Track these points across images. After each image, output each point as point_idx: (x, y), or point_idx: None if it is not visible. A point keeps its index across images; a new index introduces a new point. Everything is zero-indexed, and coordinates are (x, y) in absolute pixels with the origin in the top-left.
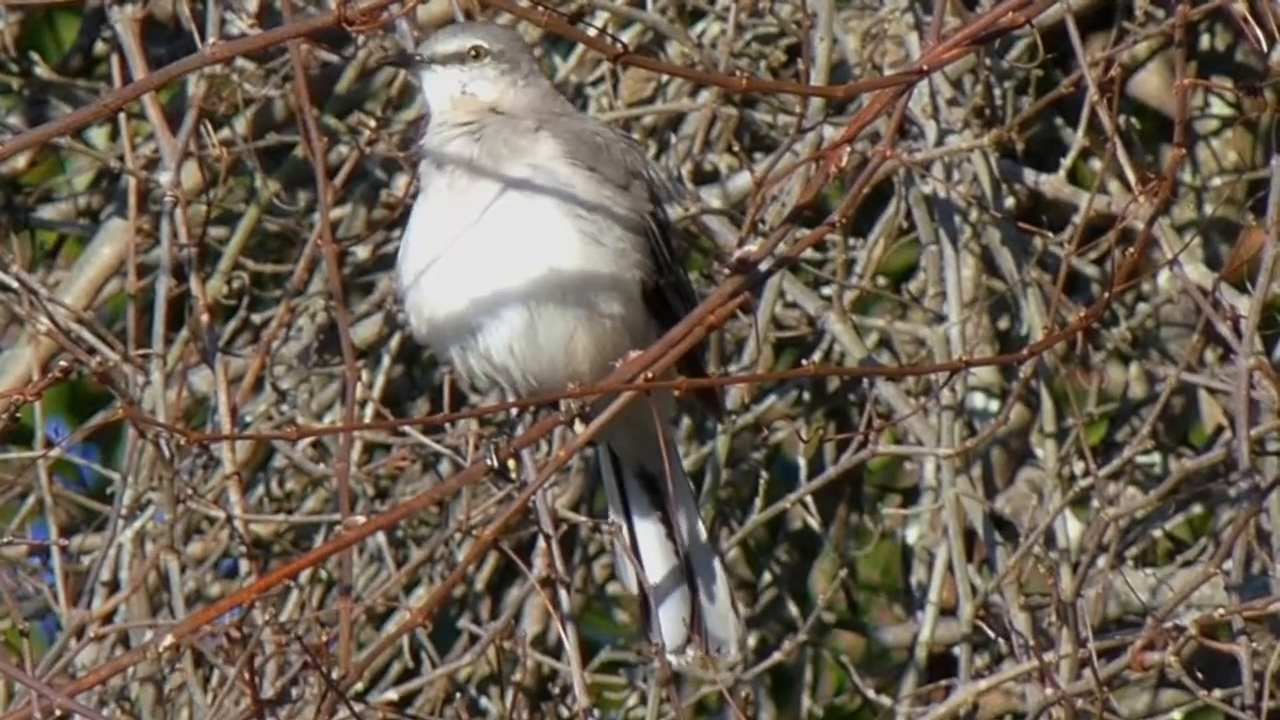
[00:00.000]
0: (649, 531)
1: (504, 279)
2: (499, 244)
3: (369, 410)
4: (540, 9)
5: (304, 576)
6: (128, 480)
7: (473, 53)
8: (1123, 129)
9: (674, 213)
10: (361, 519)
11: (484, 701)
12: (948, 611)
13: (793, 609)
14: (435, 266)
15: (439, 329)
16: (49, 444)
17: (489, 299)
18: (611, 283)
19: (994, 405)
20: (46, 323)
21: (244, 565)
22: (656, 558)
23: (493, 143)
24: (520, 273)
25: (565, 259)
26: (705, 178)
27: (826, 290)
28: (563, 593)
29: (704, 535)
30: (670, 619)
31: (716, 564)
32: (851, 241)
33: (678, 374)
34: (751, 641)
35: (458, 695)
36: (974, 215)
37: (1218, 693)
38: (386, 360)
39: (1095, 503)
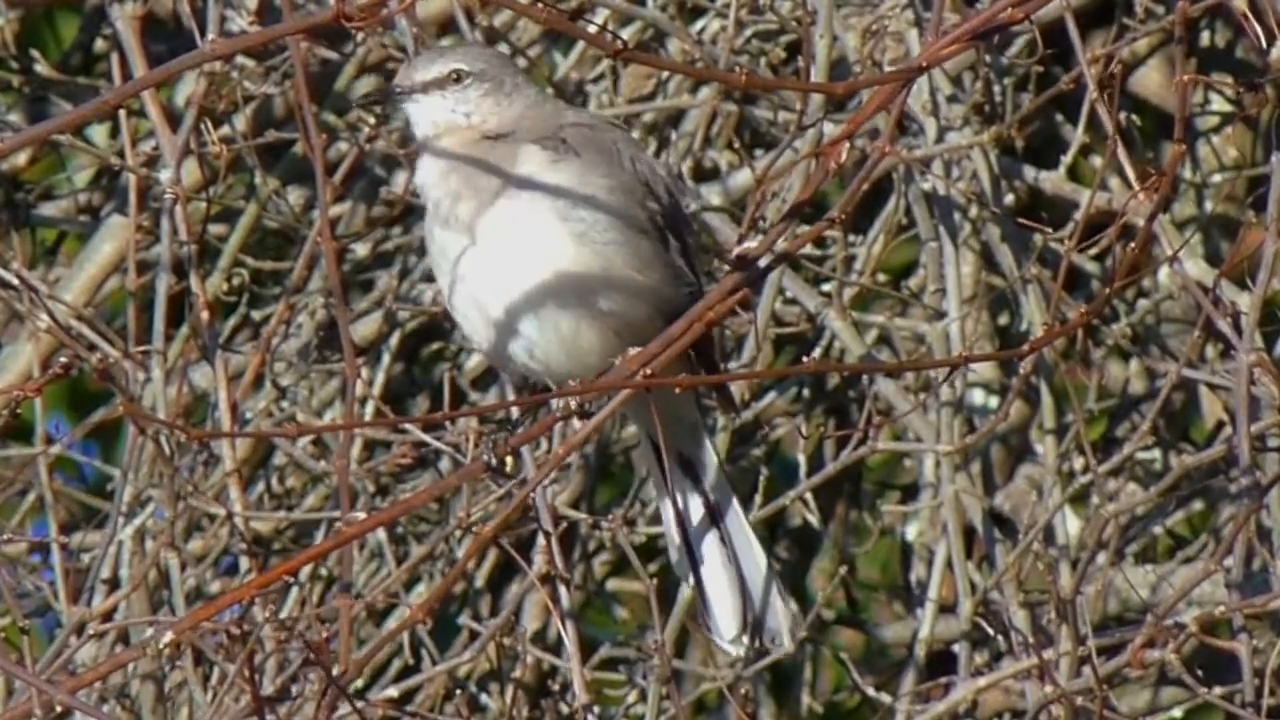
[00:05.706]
0: (697, 521)
1: (507, 298)
2: (495, 269)
3: (369, 407)
4: (540, 6)
5: (304, 573)
6: (128, 477)
7: (453, 76)
8: (1123, 125)
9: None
10: (361, 516)
11: (484, 698)
12: (947, 608)
13: (792, 606)
14: (462, 299)
15: (489, 353)
16: (49, 440)
17: (504, 320)
18: (605, 281)
19: (993, 402)
20: (47, 319)
21: (244, 562)
22: (707, 547)
23: (472, 172)
24: (520, 289)
25: (558, 264)
26: (705, 175)
27: (826, 287)
28: (562, 589)
29: (746, 524)
30: (723, 609)
31: (760, 552)
32: (851, 238)
33: (685, 369)
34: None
35: (458, 692)
36: (974, 212)
37: (1218, 690)
38: (386, 358)
39: (1095, 499)
